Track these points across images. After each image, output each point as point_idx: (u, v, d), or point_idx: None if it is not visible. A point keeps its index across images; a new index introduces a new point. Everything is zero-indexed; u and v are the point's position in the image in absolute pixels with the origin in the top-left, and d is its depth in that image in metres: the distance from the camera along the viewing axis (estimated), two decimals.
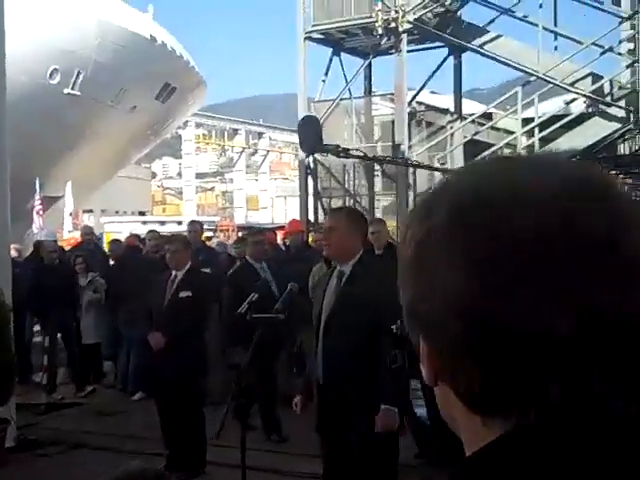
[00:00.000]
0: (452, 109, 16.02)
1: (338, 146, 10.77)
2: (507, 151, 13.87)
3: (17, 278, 7.80)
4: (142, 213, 39.47)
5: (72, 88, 27.23)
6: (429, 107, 16.17)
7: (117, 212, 35.21)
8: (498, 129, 15.00)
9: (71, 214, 23.69)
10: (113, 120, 28.93)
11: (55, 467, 6.20)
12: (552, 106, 13.66)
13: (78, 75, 27.33)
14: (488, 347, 0.69)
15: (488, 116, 15.57)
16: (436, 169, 11.99)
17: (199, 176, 41.07)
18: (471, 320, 0.70)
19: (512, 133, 16.76)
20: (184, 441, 6.01)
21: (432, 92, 18.77)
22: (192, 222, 10.64)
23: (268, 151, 44.30)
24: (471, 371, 0.70)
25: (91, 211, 31.14)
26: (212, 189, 43.08)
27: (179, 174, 41.68)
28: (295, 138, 46.05)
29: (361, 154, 11.14)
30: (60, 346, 9.25)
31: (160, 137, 35.37)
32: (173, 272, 6.56)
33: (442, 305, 0.72)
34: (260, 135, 44.89)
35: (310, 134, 10.14)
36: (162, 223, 28.88)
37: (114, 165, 32.82)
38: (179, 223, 28.93)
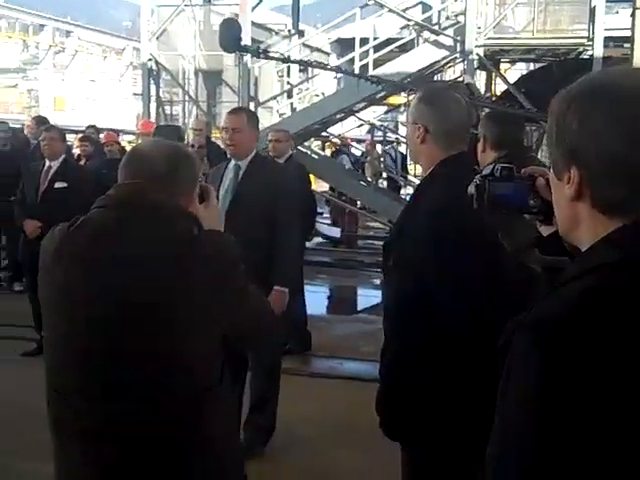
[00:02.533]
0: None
1: (258, 47, 11.19)
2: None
3: None
4: None
5: None
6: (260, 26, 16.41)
7: None
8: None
9: None
10: None
11: None
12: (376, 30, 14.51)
13: None
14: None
15: (301, 33, 16.20)
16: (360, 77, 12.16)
17: (1, 71, 38.99)
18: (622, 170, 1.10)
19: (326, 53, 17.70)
20: None
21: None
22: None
23: (77, 51, 42.69)
24: (616, 190, 1.12)
25: None
26: (15, 86, 40.96)
27: None
28: (105, 39, 44.17)
29: (281, 56, 11.57)
30: None
31: None
32: (47, 162, 6.62)
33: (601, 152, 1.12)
34: (68, 33, 43.11)
35: (230, 34, 10.49)
36: None
37: None
38: None
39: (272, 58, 11.47)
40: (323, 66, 12.48)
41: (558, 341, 1.03)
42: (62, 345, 1.95)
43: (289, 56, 13.79)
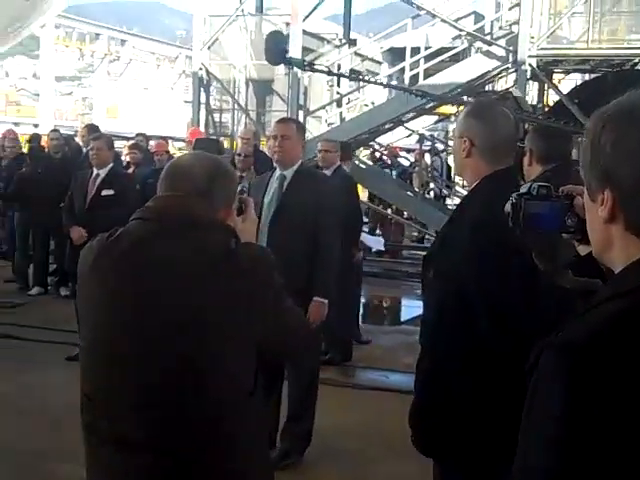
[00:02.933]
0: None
1: (304, 60, 11.26)
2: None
3: None
4: None
5: None
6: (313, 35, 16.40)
7: None
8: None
9: None
10: None
11: None
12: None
13: None
14: None
15: (352, 42, 16.17)
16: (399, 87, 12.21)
17: (57, 79, 39.73)
18: None
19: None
20: None
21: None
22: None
23: (131, 59, 43.41)
24: None
25: None
26: (70, 94, 41.77)
27: (34, 75, 40.13)
28: (158, 48, 44.81)
29: (326, 69, 11.61)
30: None
31: (20, 36, 33.71)
32: (95, 170, 6.74)
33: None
34: (123, 42, 43.87)
35: (276, 47, 10.59)
36: (16, 124, 27.69)
37: None
38: (35, 126, 28.14)
39: (317, 71, 11.46)
40: (367, 79, 12.45)
41: (585, 364, 1.02)
42: (95, 353, 1.96)
43: (339, 65, 13.82)
